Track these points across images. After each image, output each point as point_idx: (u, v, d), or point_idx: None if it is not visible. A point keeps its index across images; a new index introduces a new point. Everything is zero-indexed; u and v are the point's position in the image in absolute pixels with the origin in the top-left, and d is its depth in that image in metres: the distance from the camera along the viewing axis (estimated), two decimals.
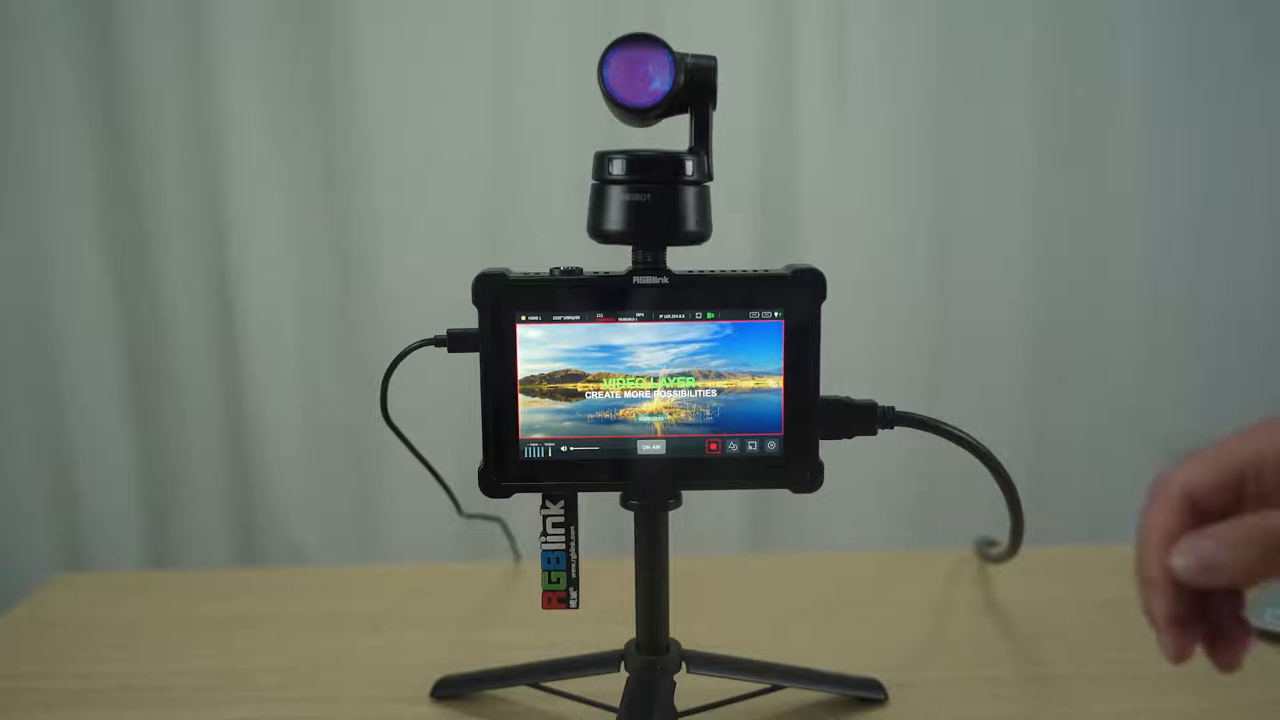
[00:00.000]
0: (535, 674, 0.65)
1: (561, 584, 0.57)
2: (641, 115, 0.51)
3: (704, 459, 0.55)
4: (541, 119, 1.23)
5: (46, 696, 0.67)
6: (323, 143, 1.24)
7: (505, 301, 0.53)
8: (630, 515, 0.57)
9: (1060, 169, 1.29)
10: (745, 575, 0.90)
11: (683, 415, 0.54)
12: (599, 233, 0.53)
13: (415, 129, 1.24)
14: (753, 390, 0.54)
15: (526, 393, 0.54)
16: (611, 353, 0.53)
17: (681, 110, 0.53)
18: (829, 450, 0.55)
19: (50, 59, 1.19)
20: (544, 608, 0.58)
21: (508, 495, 0.55)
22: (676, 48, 0.50)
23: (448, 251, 1.24)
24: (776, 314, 0.53)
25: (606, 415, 0.54)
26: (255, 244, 1.24)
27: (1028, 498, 0.63)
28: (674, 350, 0.53)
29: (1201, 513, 0.36)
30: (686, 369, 0.54)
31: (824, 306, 0.53)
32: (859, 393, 0.57)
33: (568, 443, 0.54)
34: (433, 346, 0.56)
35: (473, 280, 0.53)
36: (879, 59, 1.25)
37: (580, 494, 0.56)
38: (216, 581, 0.93)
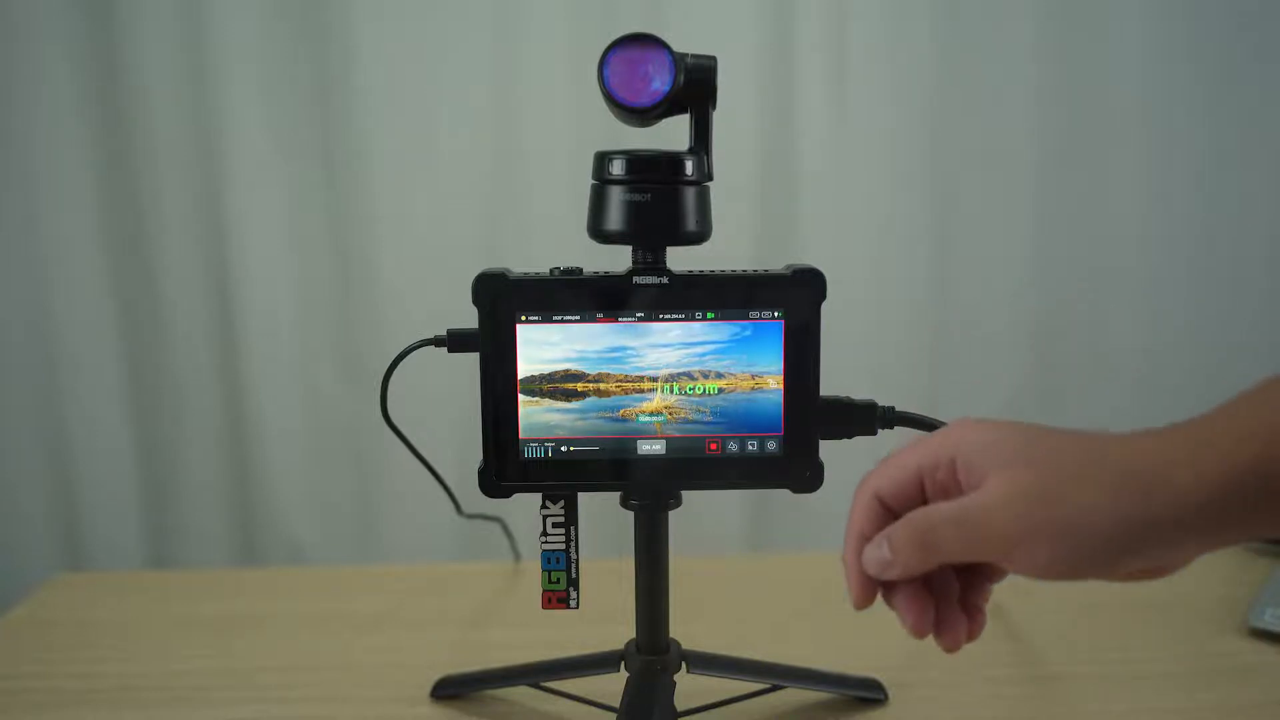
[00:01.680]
0: (535, 674, 0.65)
1: (561, 584, 0.57)
2: (641, 115, 0.51)
3: (704, 459, 0.55)
4: (541, 119, 1.23)
5: (46, 696, 0.68)
6: (322, 142, 1.23)
7: (505, 301, 0.53)
8: (630, 515, 0.57)
9: (1060, 169, 1.29)
10: (745, 575, 0.90)
11: (683, 415, 0.54)
12: (599, 233, 0.53)
13: (415, 129, 1.24)
14: (753, 390, 0.54)
15: (526, 393, 0.54)
16: (612, 353, 0.53)
17: (681, 110, 0.53)
18: (829, 450, 0.55)
19: (50, 59, 1.19)
20: (544, 608, 0.58)
21: (508, 495, 0.55)
22: (676, 48, 0.50)
23: (448, 251, 1.24)
24: (776, 314, 0.53)
25: (606, 415, 0.54)
26: (255, 244, 1.24)
27: None
28: (674, 350, 0.53)
29: (889, 509, 0.43)
30: (686, 369, 0.54)
31: (824, 306, 0.53)
32: (859, 393, 0.57)
33: (568, 443, 0.54)
34: (433, 346, 0.56)
35: (473, 280, 0.53)
36: (879, 59, 1.25)
37: (580, 494, 0.56)
38: (216, 581, 0.93)
